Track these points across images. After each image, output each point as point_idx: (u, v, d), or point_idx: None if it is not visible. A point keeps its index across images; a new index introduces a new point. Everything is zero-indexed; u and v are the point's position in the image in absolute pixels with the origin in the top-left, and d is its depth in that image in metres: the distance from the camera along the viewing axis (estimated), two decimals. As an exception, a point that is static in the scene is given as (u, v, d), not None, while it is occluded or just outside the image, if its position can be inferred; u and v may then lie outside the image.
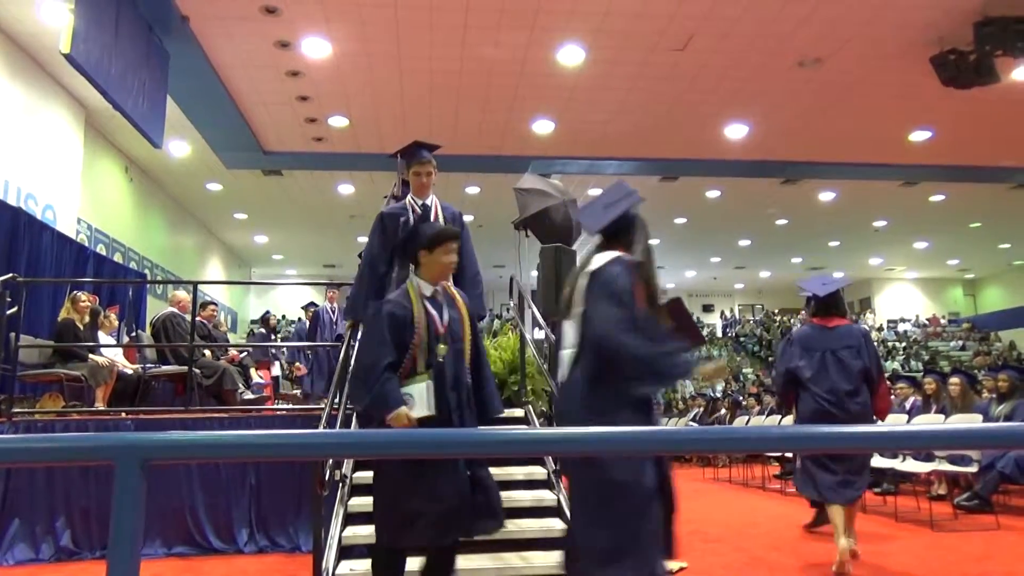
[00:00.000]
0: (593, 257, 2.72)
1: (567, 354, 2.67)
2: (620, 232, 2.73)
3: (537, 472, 4.61)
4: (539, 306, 5.72)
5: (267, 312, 11.17)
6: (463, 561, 3.50)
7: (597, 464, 2.43)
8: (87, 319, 6.41)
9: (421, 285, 3.10)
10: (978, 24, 7.55)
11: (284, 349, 9.93)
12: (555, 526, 4.12)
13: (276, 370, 9.24)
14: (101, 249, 11.06)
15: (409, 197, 4.29)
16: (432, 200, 4.30)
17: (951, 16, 7.67)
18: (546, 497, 4.37)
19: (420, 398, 2.94)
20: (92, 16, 6.14)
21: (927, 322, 25.47)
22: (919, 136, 11.13)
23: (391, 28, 7.91)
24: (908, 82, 9.13)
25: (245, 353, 7.93)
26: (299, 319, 12.43)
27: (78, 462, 1.25)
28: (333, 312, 9.00)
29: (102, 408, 5.95)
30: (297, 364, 9.14)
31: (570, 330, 2.69)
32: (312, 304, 10.21)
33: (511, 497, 4.29)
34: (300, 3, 7.43)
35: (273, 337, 10.97)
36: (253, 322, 18.14)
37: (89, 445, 1.13)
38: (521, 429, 1.35)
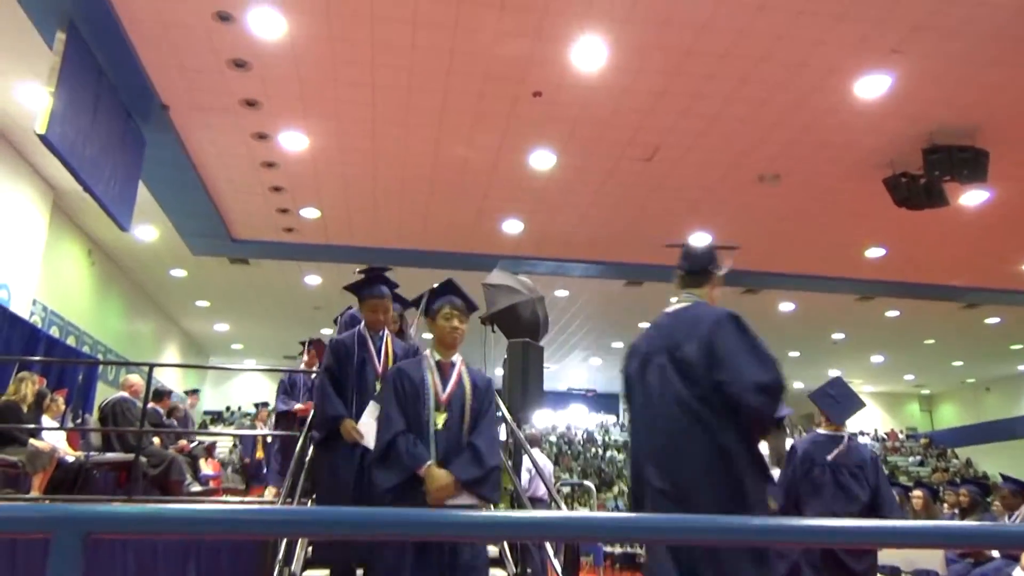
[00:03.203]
0: None
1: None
2: None
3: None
4: (505, 401, 5.64)
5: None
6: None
7: None
8: (31, 400, 6.16)
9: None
10: (926, 151, 7.96)
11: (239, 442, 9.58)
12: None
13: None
14: (55, 331, 10.76)
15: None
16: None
17: (901, 142, 8.11)
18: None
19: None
20: (72, 99, 6.19)
21: (885, 436, 25.66)
22: (874, 253, 11.54)
23: (367, 125, 8.12)
24: (862, 200, 9.54)
25: (196, 443, 7.63)
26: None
27: (12, 534, 1.16)
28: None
29: (37, 496, 5.63)
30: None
31: None
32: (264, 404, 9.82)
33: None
34: (281, 98, 7.61)
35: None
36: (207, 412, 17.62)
37: (25, 516, 1.06)
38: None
